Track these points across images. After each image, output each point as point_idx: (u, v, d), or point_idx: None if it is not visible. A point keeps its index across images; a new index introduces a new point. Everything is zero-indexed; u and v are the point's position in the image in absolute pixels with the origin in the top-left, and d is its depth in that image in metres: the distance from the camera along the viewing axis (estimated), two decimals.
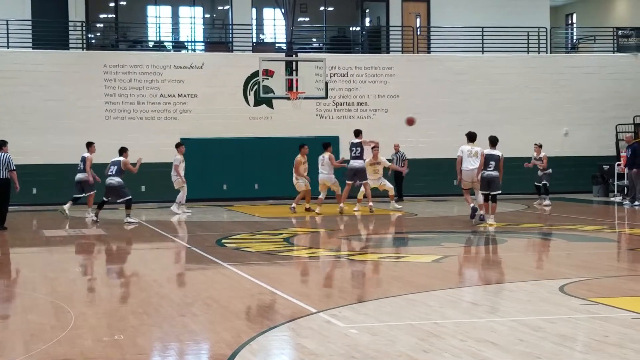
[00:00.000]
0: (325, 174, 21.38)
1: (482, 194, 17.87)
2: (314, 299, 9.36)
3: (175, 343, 7.44)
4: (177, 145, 22.35)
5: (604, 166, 26.65)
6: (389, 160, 23.55)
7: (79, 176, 20.85)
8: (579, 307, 8.69)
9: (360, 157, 21.20)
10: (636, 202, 22.51)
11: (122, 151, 20.17)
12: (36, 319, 8.49)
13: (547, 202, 23.55)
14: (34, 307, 9.12)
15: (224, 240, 15.41)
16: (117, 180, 19.35)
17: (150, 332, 7.90)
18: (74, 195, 20.92)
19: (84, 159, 20.85)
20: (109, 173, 19.45)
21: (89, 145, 21.19)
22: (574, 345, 7.14)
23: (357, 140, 21.32)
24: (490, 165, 17.49)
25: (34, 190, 25.07)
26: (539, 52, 29.15)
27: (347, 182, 21.39)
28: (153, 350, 7.32)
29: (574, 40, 33.06)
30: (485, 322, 7.99)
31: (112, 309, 8.99)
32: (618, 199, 24.66)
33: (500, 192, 17.91)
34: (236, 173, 26.10)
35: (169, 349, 7.27)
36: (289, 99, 22.51)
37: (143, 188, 25.71)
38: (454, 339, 7.27)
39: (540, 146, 24.11)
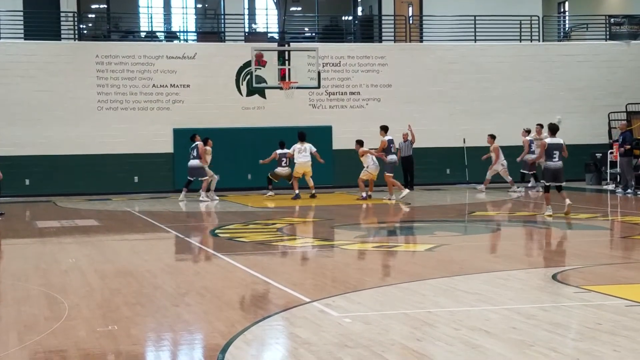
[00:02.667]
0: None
1: (546, 185, 17.06)
2: (307, 289, 9.37)
3: (169, 333, 7.43)
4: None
5: (597, 154, 26.69)
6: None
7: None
8: (572, 294, 8.71)
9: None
10: (629, 190, 22.56)
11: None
12: (30, 310, 8.48)
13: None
14: (27, 299, 9.11)
15: (217, 231, 15.40)
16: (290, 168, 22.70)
17: (144, 322, 7.90)
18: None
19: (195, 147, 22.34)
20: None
21: (206, 142, 22.57)
22: (567, 332, 7.16)
23: (388, 137, 22.01)
24: (554, 156, 16.65)
25: (27, 182, 25.01)
26: (531, 40, 29.14)
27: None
28: (147, 340, 7.32)
29: (567, 29, 33.04)
30: (479, 311, 8.00)
31: (105, 299, 8.98)
32: (611, 186, 24.71)
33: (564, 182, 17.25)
34: (229, 163, 26.06)
35: (162, 340, 7.26)
36: (281, 88, 22.49)
37: (136, 179, 25.70)
38: (448, 328, 7.28)
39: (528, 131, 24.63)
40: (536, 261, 11.38)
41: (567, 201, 16.75)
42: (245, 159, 26.15)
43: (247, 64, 24.97)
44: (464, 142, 27.41)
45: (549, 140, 16.83)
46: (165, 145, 25.63)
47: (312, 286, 9.69)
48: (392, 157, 21.90)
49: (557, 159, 16.65)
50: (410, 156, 25.34)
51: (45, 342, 7.09)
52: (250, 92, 26.40)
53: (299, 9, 32.78)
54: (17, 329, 7.60)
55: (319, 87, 24.05)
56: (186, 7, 31.03)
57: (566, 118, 28.34)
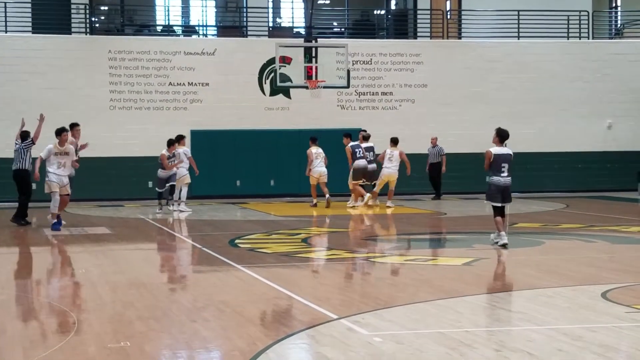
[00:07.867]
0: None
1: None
2: (334, 305, 9.38)
3: (185, 351, 7.47)
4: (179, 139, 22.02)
5: None
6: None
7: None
8: (623, 314, 8.67)
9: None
10: None
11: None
12: (36, 324, 8.55)
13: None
14: (33, 312, 9.19)
15: (237, 241, 15.45)
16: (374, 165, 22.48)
17: (159, 338, 7.94)
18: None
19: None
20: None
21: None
22: (617, 355, 7.13)
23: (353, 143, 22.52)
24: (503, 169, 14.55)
25: (34, 186, 25.15)
26: (579, 37, 29.02)
27: None
28: (161, 358, 7.36)
29: (618, 25, 32.87)
30: (521, 331, 7.98)
31: (117, 313, 9.04)
32: None
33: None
34: (250, 168, 26.14)
35: (178, 357, 7.30)
36: (307, 88, 22.52)
37: (150, 184, 25.79)
38: (487, 349, 7.27)
39: None
40: (584, 277, 11.32)
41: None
42: (267, 164, 26.22)
43: (271, 61, 25.05)
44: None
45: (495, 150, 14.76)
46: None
47: (339, 302, 9.70)
48: (359, 163, 21.99)
49: (506, 175, 14.52)
50: (439, 163, 25.31)
51: (52, 358, 7.15)
52: (274, 91, 26.47)
53: (327, 2, 32.85)
54: (22, 345, 7.66)
55: (348, 86, 24.05)
56: (206, 0, 31.18)
57: (617, 122, 28.20)
